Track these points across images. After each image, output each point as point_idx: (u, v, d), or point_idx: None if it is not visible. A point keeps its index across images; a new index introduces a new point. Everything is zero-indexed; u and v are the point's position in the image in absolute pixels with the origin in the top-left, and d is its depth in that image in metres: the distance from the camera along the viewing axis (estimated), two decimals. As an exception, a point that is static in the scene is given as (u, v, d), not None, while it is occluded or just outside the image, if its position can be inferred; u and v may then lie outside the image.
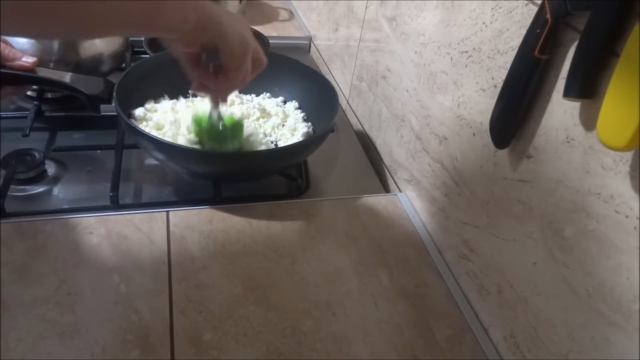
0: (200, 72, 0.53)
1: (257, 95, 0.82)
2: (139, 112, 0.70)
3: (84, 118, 0.78)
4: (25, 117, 0.73)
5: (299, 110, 0.80)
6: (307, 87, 0.79)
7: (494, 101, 0.49)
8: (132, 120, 0.67)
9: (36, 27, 0.34)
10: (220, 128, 0.64)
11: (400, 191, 0.75)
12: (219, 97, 0.59)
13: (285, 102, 0.82)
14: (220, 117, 0.63)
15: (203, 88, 0.55)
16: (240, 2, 1.20)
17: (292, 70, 0.80)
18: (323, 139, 0.68)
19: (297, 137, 0.73)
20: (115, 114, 0.64)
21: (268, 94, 0.82)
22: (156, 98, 0.74)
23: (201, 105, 0.73)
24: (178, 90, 0.76)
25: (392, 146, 0.77)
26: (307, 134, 0.74)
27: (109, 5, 0.35)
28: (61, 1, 0.31)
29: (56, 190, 0.66)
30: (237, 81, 0.53)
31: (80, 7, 0.33)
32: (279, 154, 0.66)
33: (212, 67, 0.52)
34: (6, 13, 0.30)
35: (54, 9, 0.32)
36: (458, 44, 0.58)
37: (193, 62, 0.52)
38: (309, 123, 0.77)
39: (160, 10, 0.39)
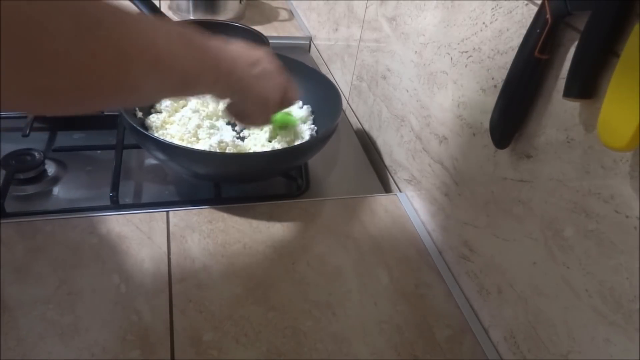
0: (228, 105, 0.56)
1: None
2: (154, 118, 0.71)
3: (84, 118, 0.78)
4: (25, 117, 0.73)
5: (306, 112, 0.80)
6: (309, 88, 0.79)
7: (494, 101, 0.49)
8: (134, 120, 0.67)
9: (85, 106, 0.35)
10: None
11: (400, 191, 0.75)
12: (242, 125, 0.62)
13: None
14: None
15: (228, 114, 0.58)
16: (241, 2, 1.20)
17: (293, 71, 0.80)
18: (326, 141, 0.68)
19: (301, 139, 0.73)
20: (116, 113, 0.64)
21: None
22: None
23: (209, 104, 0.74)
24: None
25: (392, 146, 0.77)
26: (310, 136, 0.74)
27: (147, 87, 0.37)
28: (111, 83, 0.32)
29: (56, 190, 0.66)
30: (258, 125, 0.59)
31: (130, 86, 0.34)
32: (282, 155, 0.65)
33: (236, 108, 0.56)
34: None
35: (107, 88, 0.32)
36: (458, 44, 0.58)
37: None
38: (312, 125, 0.77)
39: (196, 82, 0.43)
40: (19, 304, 0.49)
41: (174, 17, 1.14)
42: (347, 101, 0.97)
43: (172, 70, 0.38)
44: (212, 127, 0.70)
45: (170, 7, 1.20)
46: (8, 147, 0.68)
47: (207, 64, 0.43)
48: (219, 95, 0.50)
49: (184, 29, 0.40)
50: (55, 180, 0.68)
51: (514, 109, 0.47)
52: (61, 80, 0.28)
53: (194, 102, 0.74)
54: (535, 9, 0.43)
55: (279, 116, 0.66)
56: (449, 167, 0.61)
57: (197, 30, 0.42)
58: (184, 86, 0.42)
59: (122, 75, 0.32)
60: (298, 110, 0.78)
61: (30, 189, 0.65)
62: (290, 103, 0.58)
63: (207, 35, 0.43)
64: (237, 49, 0.49)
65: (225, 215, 0.64)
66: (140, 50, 0.33)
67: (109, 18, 0.30)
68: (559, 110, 0.43)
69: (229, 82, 0.47)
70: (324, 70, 1.09)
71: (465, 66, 0.57)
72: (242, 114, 0.55)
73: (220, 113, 0.75)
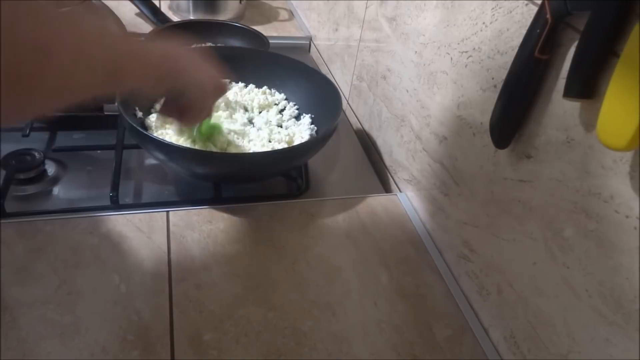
0: (164, 104, 0.56)
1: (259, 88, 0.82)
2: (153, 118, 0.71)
3: (84, 118, 0.78)
4: (25, 117, 0.73)
5: (304, 113, 0.79)
6: (309, 88, 0.79)
7: (493, 101, 0.49)
8: (134, 120, 0.67)
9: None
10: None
11: (400, 191, 0.75)
12: (181, 125, 0.61)
13: (288, 103, 0.81)
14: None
15: (167, 114, 0.58)
16: (241, 2, 1.20)
17: (294, 71, 0.80)
18: (326, 141, 0.68)
19: (300, 139, 0.73)
20: (116, 113, 0.64)
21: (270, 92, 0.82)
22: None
23: None
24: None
25: (392, 146, 0.77)
26: (310, 136, 0.74)
27: (74, 79, 0.35)
28: (29, 82, 0.31)
29: (56, 190, 0.66)
30: (199, 118, 0.58)
31: (50, 85, 0.33)
32: (282, 155, 0.65)
33: (175, 105, 0.54)
34: None
35: (28, 90, 0.31)
36: (458, 44, 0.58)
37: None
38: (312, 125, 0.77)
39: (124, 72, 0.41)
40: (19, 304, 0.49)
41: (174, 17, 1.14)
42: (347, 101, 0.97)
43: (97, 60, 0.36)
44: None
45: (170, 7, 1.20)
46: (8, 147, 0.68)
47: (134, 53, 0.42)
48: (155, 87, 0.48)
49: (103, 23, 0.39)
50: (55, 180, 0.68)
51: (513, 109, 0.47)
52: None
53: None
54: (535, 9, 0.43)
55: (204, 126, 0.65)
56: (449, 167, 0.61)
57: (117, 26, 0.41)
58: (114, 78, 0.40)
59: (44, 65, 0.31)
60: (232, 123, 0.75)
61: (30, 189, 0.65)
62: (223, 91, 0.57)
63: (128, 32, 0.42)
64: (165, 42, 0.48)
65: (225, 215, 0.64)
66: (58, 38, 0.32)
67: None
68: (559, 110, 0.43)
69: (164, 69, 0.45)
70: (324, 70, 1.09)
71: (465, 66, 0.57)
72: (180, 110, 0.53)
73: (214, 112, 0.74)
